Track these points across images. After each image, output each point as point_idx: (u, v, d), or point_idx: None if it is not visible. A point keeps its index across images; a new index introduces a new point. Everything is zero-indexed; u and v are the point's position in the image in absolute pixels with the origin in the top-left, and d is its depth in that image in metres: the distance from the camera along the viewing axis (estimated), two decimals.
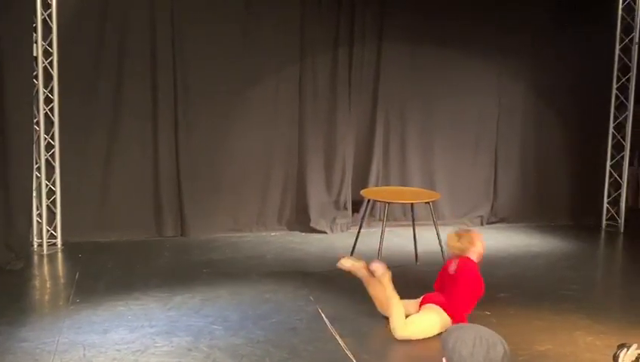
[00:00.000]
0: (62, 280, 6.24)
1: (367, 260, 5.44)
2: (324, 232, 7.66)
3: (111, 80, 7.02)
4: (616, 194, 8.27)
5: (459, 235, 5.21)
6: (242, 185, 7.54)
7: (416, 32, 7.77)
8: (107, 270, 6.27)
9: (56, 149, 6.74)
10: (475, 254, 5.15)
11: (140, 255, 6.73)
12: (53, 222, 6.85)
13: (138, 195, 7.25)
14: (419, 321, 4.95)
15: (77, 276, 6.05)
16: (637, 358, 2.16)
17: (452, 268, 5.14)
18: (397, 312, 4.95)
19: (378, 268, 5.27)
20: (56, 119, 6.69)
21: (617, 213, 8.25)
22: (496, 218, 8.34)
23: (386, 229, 6.31)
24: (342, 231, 7.73)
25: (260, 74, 7.44)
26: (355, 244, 6.48)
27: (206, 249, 7.01)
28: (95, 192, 7.12)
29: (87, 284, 5.84)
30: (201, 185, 7.38)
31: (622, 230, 8.17)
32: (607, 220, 8.31)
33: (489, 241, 7.14)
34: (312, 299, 5.67)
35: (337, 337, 4.90)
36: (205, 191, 7.40)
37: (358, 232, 6.55)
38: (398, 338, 4.87)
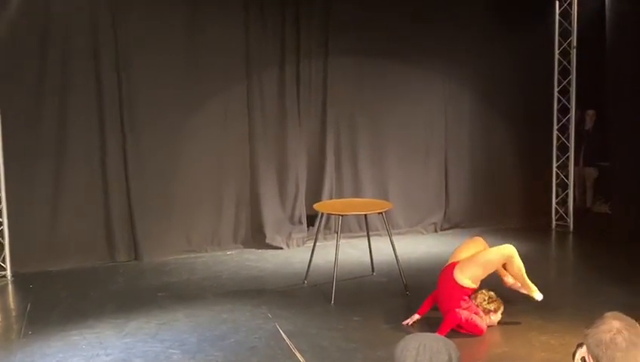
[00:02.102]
0: (13, 313, 6.08)
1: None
2: (281, 248, 7.64)
3: (55, 107, 6.90)
4: (563, 194, 8.47)
5: (491, 299, 5.39)
6: (195, 205, 7.48)
7: (361, 45, 7.85)
8: (60, 299, 6.15)
9: (2, 179, 6.60)
10: (483, 319, 5.27)
11: (93, 282, 6.62)
12: (1, 253, 6.69)
13: (88, 221, 7.13)
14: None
15: (28, 307, 5.91)
16: (583, 358, 2.21)
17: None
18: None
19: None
20: (0, 149, 6.57)
21: (566, 212, 8.44)
22: (449, 224, 8.44)
23: (342, 241, 6.34)
24: (298, 246, 7.73)
25: (207, 93, 7.41)
26: (311, 258, 6.49)
27: (160, 272, 6.92)
28: (44, 221, 6.98)
29: (40, 315, 5.72)
30: (153, 207, 7.30)
31: (571, 229, 8.36)
32: (556, 220, 8.50)
33: (443, 247, 7.28)
34: (270, 316, 5.65)
35: (297, 353, 4.89)
36: (157, 214, 7.32)
37: (314, 246, 6.57)
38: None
